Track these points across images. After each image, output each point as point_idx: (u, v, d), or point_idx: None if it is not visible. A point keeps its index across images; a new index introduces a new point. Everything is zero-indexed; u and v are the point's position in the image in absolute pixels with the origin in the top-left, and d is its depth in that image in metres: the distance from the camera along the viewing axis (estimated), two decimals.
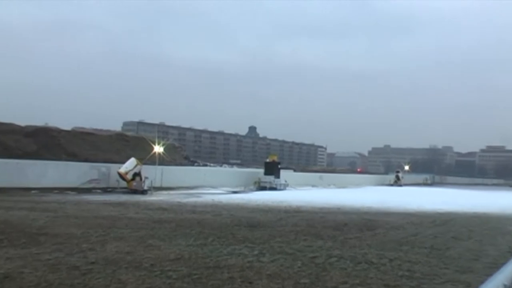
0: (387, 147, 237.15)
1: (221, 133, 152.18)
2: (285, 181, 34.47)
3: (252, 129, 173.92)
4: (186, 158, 44.97)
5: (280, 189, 32.82)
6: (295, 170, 51.35)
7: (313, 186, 40.57)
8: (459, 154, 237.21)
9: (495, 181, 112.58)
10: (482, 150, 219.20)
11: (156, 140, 28.65)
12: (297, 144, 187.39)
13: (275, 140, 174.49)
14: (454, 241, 10.55)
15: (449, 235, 11.49)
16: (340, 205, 20.49)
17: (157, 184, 25.63)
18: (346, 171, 70.73)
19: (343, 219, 14.46)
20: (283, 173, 36.43)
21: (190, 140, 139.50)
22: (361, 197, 27.60)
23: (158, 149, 27.19)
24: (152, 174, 24.83)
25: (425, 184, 63.54)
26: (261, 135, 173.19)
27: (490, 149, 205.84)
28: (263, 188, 32.15)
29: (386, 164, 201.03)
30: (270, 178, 33.33)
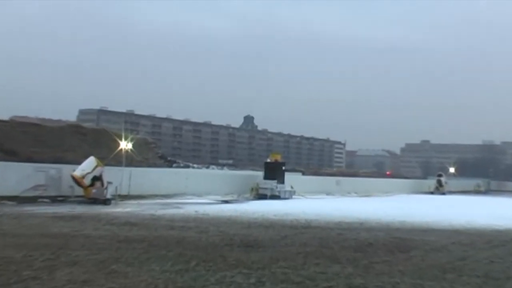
0: (425, 143, 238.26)
1: (207, 125, 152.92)
2: (291, 188, 34.58)
3: (249, 119, 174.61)
4: (162, 157, 44.99)
5: (284, 198, 32.90)
6: (304, 173, 51.44)
7: (328, 194, 40.69)
8: None
9: None
10: None
11: (123, 134, 28.62)
12: (307, 139, 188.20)
13: (279, 134, 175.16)
14: None
15: (510, 260, 11.55)
16: (363, 219, 20.61)
17: (124, 192, 25.73)
18: (372, 175, 70.95)
19: (367, 237, 14.52)
20: (289, 176, 36.64)
21: (168, 133, 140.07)
22: (391, 208, 27.69)
23: (125, 145, 27.14)
24: (117, 178, 24.83)
25: (477, 191, 63.93)
26: (259, 128, 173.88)
27: None
28: (262, 197, 32.24)
29: (425, 165, 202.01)
30: (272, 183, 33.38)
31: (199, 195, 30.30)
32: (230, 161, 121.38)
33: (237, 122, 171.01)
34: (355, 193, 43.68)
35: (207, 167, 55.80)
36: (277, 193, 32.95)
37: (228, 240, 12.62)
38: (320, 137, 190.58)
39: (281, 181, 33.98)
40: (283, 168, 35.16)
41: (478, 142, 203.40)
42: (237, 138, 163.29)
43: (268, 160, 36.55)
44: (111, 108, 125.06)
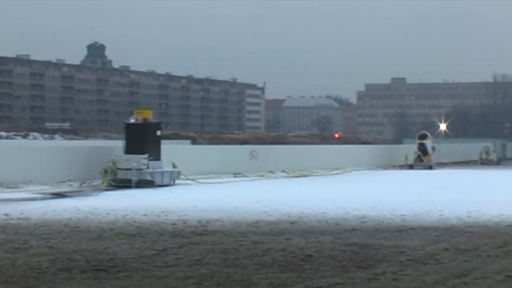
0: (398, 82, 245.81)
1: (23, 60, 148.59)
2: (174, 167, 34.50)
3: (96, 50, 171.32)
4: None
5: (161, 184, 32.84)
6: (196, 141, 51.35)
7: (236, 174, 41.00)
8: None
9: None
10: None
11: None
12: (199, 81, 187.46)
13: (149, 74, 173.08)
14: None
15: None
16: (297, 214, 20.92)
17: None
18: (310, 140, 72.58)
19: (304, 245, 14.83)
20: (169, 148, 36.26)
21: None
22: (342, 195, 28.24)
23: None
24: None
25: (484, 161, 66.49)
26: (115, 65, 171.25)
27: None
28: (123, 184, 32.08)
29: (399, 121, 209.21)
30: (139, 160, 33.10)
31: (10, 185, 29.99)
32: (66, 124, 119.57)
33: (76, 55, 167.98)
34: (283, 171, 44.29)
35: (24, 136, 54.59)
36: (148, 177, 32.79)
37: (65, 262, 12.54)
38: (222, 78, 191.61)
39: (155, 155, 33.79)
40: (158, 133, 34.91)
41: (487, 78, 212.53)
42: (76, 84, 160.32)
43: (132, 121, 36.07)
44: None
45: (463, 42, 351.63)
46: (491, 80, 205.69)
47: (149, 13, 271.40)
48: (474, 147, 70.95)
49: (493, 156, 68.49)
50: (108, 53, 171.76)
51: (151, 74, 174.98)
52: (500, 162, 67.91)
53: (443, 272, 12.03)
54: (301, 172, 44.74)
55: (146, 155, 33.32)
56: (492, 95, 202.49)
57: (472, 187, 34.55)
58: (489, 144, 73.33)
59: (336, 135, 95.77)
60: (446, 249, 14.57)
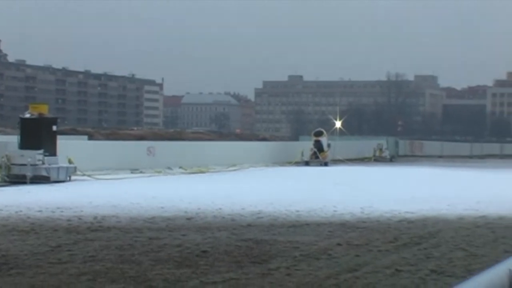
0: (295, 80, 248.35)
1: None
2: (70, 162, 34.10)
3: None
4: None
5: (57, 180, 32.41)
6: (92, 137, 50.70)
7: (134, 170, 40.72)
8: (450, 91, 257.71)
9: None
10: (498, 83, 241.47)
11: None
12: (97, 77, 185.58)
13: (45, 68, 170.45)
14: (435, 281, 11.43)
15: (429, 267, 12.45)
16: (194, 210, 20.97)
17: None
18: (208, 136, 72.58)
19: (200, 241, 14.90)
20: (65, 143, 35.96)
21: None
22: (238, 191, 28.41)
23: None
24: None
25: (378, 158, 67.68)
26: (11, 58, 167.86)
27: None
28: (16, 180, 31.52)
29: (296, 118, 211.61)
30: (34, 155, 32.60)
31: None
32: None
33: None
34: (180, 167, 44.21)
35: None
36: (43, 173, 32.33)
37: None
38: (120, 73, 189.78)
39: (51, 151, 33.35)
40: (54, 128, 34.48)
41: (381, 77, 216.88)
42: None
43: (27, 116, 35.52)
44: None
45: (359, 42, 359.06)
46: (385, 78, 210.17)
47: (45, 8, 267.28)
48: (368, 145, 71.82)
49: (386, 154, 69.44)
50: (3, 47, 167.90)
51: (47, 69, 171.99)
52: (392, 159, 69.10)
53: (335, 267, 12.23)
54: (198, 168, 44.68)
55: (41, 151, 32.78)
56: (386, 93, 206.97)
57: (365, 183, 35.16)
58: (383, 141, 74.39)
59: (238, 131, 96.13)
60: (339, 244, 14.80)
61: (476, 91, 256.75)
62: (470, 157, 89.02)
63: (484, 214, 21.39)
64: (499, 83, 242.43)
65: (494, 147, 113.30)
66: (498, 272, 3.97)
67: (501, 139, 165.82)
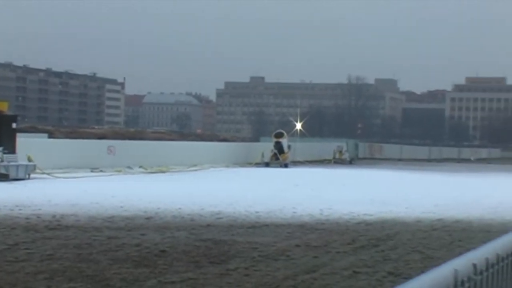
0: (257, 81, 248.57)
1: None
2: (29, 160, 33.84)
3: None
4: None
5: (16, 178, 32.13)
6: (52, 135, 50.30)
7: (94, 169, 40.49)
8: (410, 95, 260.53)
9: (485, 151, 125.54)
10: (457, 88, 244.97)
11: None
12: (57, 75, 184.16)
13: (8, 65, 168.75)
14: (392, 283, 11.52)
15: (386, 269, 12.57)
16: (154, 210, 20.94)
17: None
18: (169, 136, 72.34)
19: (158, 241, 14.89)
20: (25, 141, 35.70)
21: None
22: (200, 191, 28.46)
23: None
24: None
25: (338, 161, 67.88)
26: None
27: (474, 84, 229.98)
28: None
29: (257, 119, 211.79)
30: None
31: None
32: None
33: None
34: (140, 167, 44.05)
35: None
36: (2, 170, 32.05)
37: None
38: (81, 72, 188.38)
39: (10, 148, 33.08)
40: (13, 126, 34.21)
41: (342, 80, 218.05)
42: None
43: None
44: None
45: (321, 44, 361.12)
46: (346, 81, 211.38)
47: (6, 3, 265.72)
48: (328, 147, 72.22)
49: (346, 156, 69.79)
50: None
51: (8, 66, 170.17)
52: (352, 161, 69.45)
53: (293, 268, 12.27)
54: (159, 168, 44.57)
55: (0, 148, 32.51)
56: (346, 96, 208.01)
57: (324, 185, 35.24)
58: (343, 144, 74.78)
59: (199, 131, 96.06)
60: (298, 246, 14.85)
61: (435, 96, 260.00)
62: (429, 160, 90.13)
63: (441, 217, 21.63)
64: (458, 88, 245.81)
65: (452, 151, 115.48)
66: (443, 271, 4.08)
67: (459, 143, 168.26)
